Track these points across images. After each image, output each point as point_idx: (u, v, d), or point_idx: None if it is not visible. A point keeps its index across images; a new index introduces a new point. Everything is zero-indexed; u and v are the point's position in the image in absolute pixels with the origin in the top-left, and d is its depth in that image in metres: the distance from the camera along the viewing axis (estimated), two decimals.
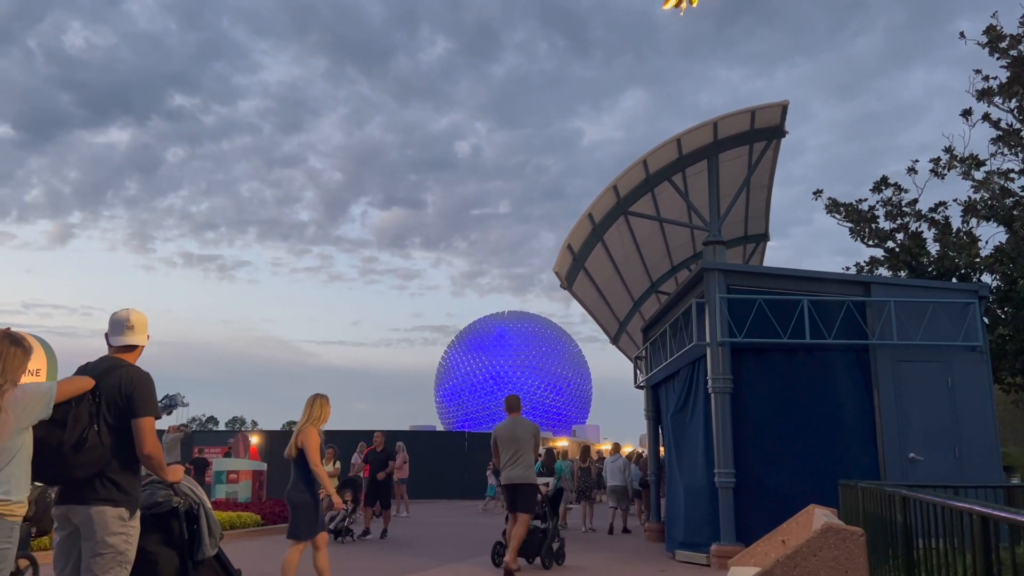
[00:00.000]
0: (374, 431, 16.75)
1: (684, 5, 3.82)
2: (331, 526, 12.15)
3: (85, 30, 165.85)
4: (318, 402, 6.89)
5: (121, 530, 3.72)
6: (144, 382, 3.88)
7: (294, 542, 6.59)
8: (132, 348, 4.07)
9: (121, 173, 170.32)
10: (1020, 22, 15.58)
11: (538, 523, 9.58)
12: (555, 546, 9.74)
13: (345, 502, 12.39)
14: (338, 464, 14.15)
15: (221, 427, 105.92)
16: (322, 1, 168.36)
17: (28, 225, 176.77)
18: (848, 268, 18.30)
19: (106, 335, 4.10)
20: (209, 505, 4.43)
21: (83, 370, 3.96)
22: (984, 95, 16.23)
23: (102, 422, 3.74)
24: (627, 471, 15.68)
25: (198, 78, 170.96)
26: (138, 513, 3.87)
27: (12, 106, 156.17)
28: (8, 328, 3.67)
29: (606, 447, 32.12)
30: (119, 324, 4.06)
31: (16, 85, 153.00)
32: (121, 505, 3.74)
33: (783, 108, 11.55)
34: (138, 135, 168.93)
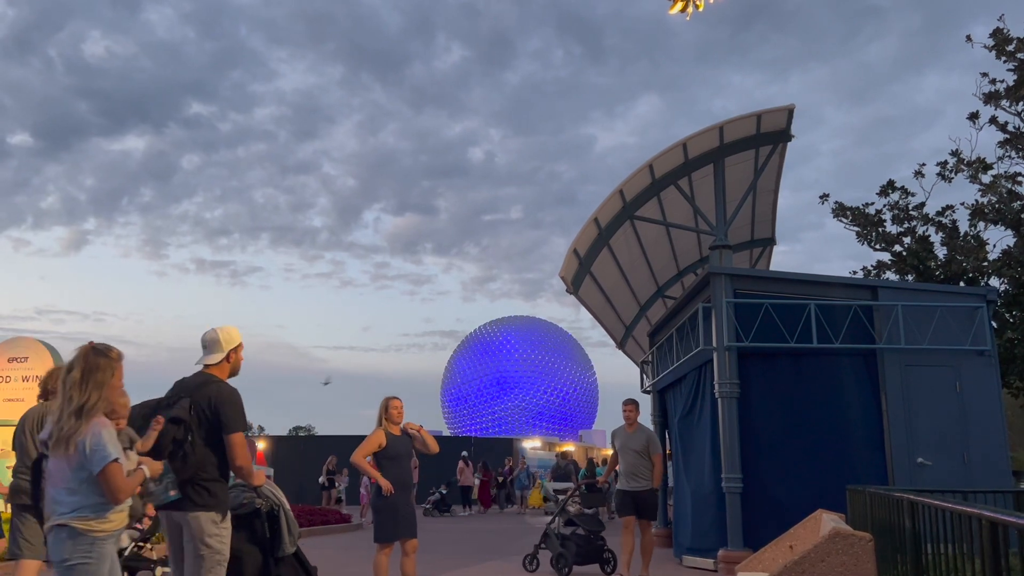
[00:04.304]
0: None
1: (690, 9, 3.81)
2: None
3: (105, 39, 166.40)
4: (381, 403, 6.92)
5: (216, 531, 4.14)
6: (231, 399, 4.25)
7: (378, 546, 6.66)
8: (218, 364, 4.45)
9: (136, 180, 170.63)
10: None
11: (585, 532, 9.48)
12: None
13: (140, 519, 8.48)
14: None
15: None
16: (339, 10, 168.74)
17: (43, 232, 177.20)
18: (855, 272, 18.27)
19: None
20: (288, 507, 4.85)
21: (179, 385, 4.38)
22: (991, 98, 16.21)
23: (195, 434, 4.16)
24: None
25: (215, 86, 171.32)
26: (229, 514, 4.24)
27: (31, 115, 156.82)
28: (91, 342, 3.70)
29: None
30: (209, 343, 4.47)
31: (35, 94, 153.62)
32: (213, 509, 4.15)
33: (789, 112, 11.53)
34: (154, 143, 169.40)
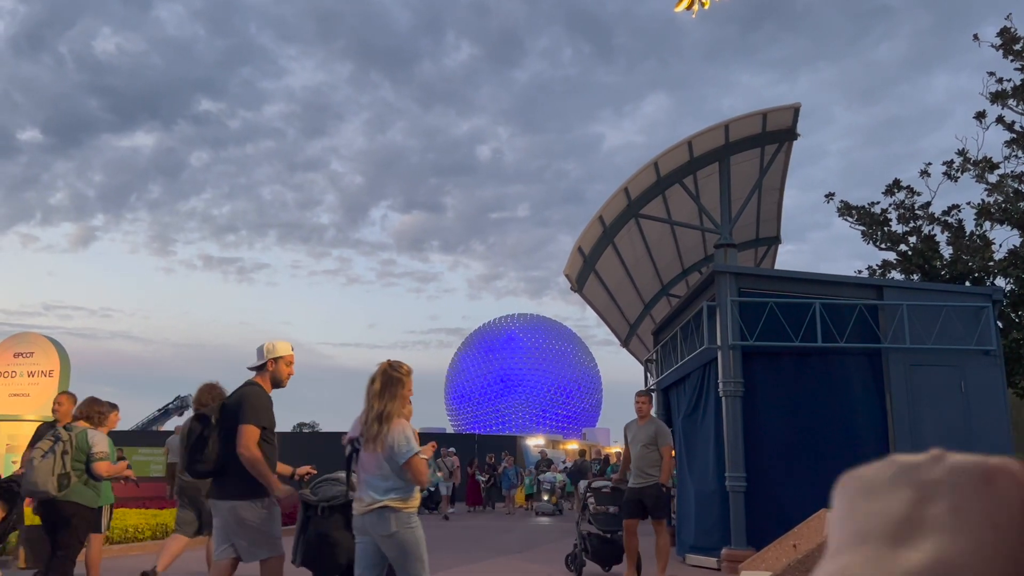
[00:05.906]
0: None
1: (696, 7, 3.81)
2: None
3: (115, 36, 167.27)
4: None
5: (251, 515, 4.68)
6: (247, 397, 4.75)
7: None
8: (260, 370, 4.97)
9: (145, 177, 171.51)
10: None
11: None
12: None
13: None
14: None
15: None
16: (349, 8, 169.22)
17: (52, 228, 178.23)
18: (861, 271, 18.22)
19: None
20: None
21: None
22: (998, 98, 16.14)
23: (215, 431, 4.80)
24: None
25: (225, 83, 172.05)
26: (267, 496, 4.71)
27: (42, 111, 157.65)
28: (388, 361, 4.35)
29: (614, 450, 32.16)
30: (257, 352, 5.01)
31: (46, 90, 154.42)
32: (246, 497, 4.67)
33: (795, 111, 11.51)
34: (163, 139, 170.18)
